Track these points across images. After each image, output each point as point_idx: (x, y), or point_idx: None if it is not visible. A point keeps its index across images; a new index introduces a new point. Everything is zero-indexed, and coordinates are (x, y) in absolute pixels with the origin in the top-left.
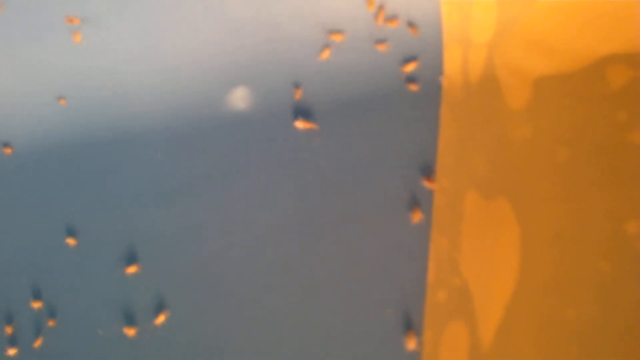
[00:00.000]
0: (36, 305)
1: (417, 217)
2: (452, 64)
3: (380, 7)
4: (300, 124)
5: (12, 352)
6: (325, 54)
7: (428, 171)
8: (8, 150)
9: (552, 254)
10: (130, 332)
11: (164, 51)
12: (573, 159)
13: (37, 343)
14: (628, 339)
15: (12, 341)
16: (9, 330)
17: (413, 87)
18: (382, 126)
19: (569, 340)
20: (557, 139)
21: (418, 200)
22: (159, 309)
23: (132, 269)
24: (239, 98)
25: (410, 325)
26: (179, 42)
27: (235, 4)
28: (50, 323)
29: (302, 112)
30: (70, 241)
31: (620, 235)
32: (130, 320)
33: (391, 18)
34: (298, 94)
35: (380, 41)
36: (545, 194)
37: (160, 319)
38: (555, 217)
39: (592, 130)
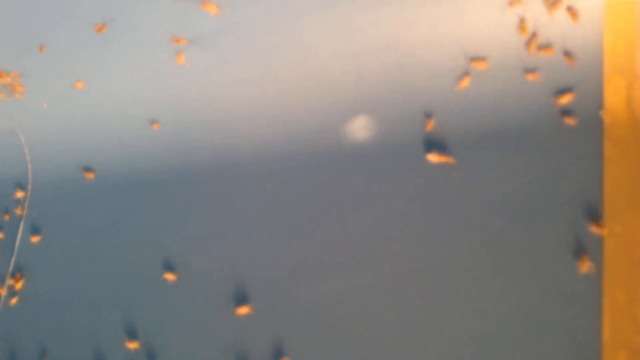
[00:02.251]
0: (132, 345)
1: (585, 266)
2: (614, 98)
3: (534, 34)
4: (433, 157)
5: None
6: (465, 82)
7: (595, 215)
8: (90, 175)
9: None
10: None
11: (276, 75)
12: None
13: None
14: None
15: None
16: None
17: (570, 121)
18: (534, 162)
19: None
20: None
21: (585, 247)
22: (277, 355)
23: (243, 309)
24: (361, 128)
25: None
26: (293, 65)
27: (364, 25)
28: None
29: (435, 144)
30: (169, 276)
31: None
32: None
33: (545, 46)
34: (430, 125)
35: (531, 70)
36: None
37: None
38: None
39: None
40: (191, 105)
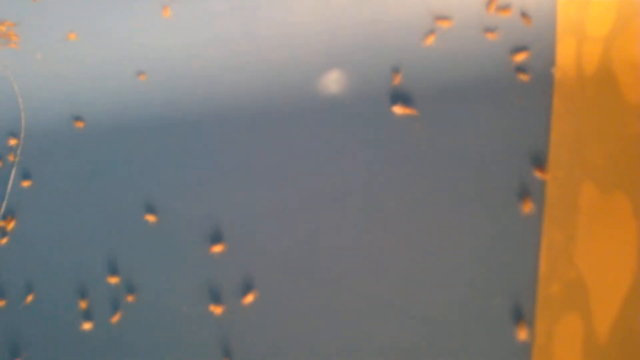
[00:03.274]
0: (113, 280)
1: (528, 207)
2: (565, 56)
3: None
4: (398, 109)
5: (87, 326)
6: (430, 40)
7: (540, 162)
8: (80, 124)
9: None
10: (217, 310)
11: (256, 30)
12: None
13: (115, 318)
14: None
15: (87, 316)
16: (83, 304)
17: (523, 77)
18: (489, 115)
19: None
20: None
21: (529, 191)
22: (246, 289)
23: (217, 248)
24: (334, 81)
25: (522, 316)
26: (273, 20)
27: None
28: (129, 299)
29: (401, 97)
30: (150, 218)
31: None
32: (216, 299)
33: (504, 7)
34: (397, 79)
35: (491, 29)
36: None
37: (248, 299)
38: None
39: None
40: (176, 57)
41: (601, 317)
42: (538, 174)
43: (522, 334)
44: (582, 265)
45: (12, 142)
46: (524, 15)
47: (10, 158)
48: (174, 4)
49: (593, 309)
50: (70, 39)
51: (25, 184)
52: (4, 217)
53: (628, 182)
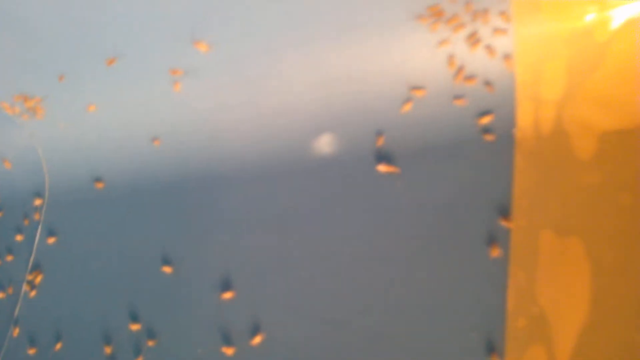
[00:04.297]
0: (134, 327)
1: (495, 252)
2: (524, 119)
3: (460, 68)
4: (382, 168)
5: None
6: (407, 107)
7: (505, 212)
8: (100, 185)
9: (620, 287)
10: (229, 351)
11: (257, 101)
12: (631, 201)
13: None
14: None
15: (112, 358)
16: (108, 350)
17: (489, 138)
18: (460, 172)
19: None
20: (621, 187)
21: (496, 238)
22: (255, 331)
23: (228, 295)
24: (326, 143)
25: (493, 348)
26: (272, 93)
27: (329, 61)
28: (150, 344)
29: (384, 157)
30: (167, 269)
31: None
32: (227, 341)
33: (469, 77)
34: (380, 141)
35: (459, 97)
36: (613, 233)
37: (257, 339)
38: (622, 254)
39: None
40: (187, 125)
41: (562, 348)
42: (503, 223)
43: None
44: (544, 302)
45: (37, 202)
46: (487, 83)
47: (36, 217)
48: (184, 80)
49: (554, 341)
50: (90, 111)
51: (51, 240)
52: (32, 272)
53: (581, 227)
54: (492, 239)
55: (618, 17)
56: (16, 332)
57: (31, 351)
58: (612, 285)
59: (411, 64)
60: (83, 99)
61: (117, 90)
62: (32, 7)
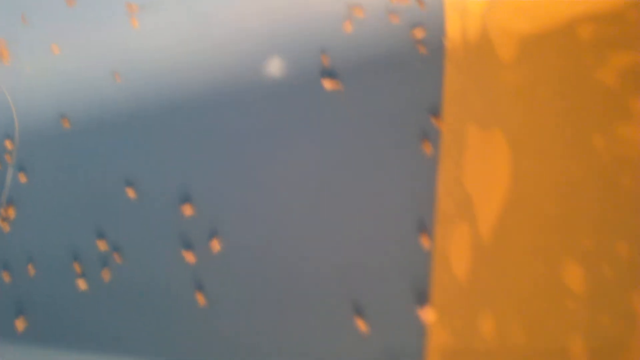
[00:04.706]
0: (101, 244)
1: (428, 148)
2: (453, 30)
3: None
4: (327, 84)
5: (82, 284)
6: (348, 26)
7: (436, 112)
8: (66, 121)
9: (536, 168)
10: (190, 257)
11: (210, 32)
12: (547, 95)
13: (105, 275)
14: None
15: (82, 275)
16: (77, 267)
17: (422, 49)
18: (397, 81)
19: (551, 231)
20: (538, 83)
21: (429, 135)
22: (211, 235)
23: (187, 209)
24: (275, 66)
25: (424, 227)
26: (224, 23)
27: None
28: (116, 258)
29: (328, 73)
30: (130, 192)
31: (589, 147)
32: (188, 247)
33: None
34: (324, 59)
35: (394, 13)
36: (530, 123)
37: (215, 245)
38: (537, 140)
39: (562, 73)
40: (145, 59)
41: (484, 225)
42: (435, 122)
43: (425, 242)
44: (470, 186)
45: (8, 143)
46: (419, 0)
47: (7, 157)
48: (141, 15)
49: (478, 219)
50: (53, 51)
51: (23, 178)
52: (5, 207)
53: (502, 120)
54: (425, 136)
55: None
56: None
57: (6, 277)
58: (529, 167)
59: None
60: (46, 40)
61: (78, 29)
62: None
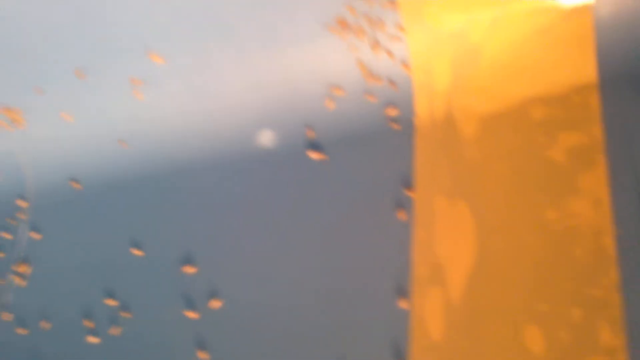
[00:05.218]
0: (111, 302)
1: (402, 216)
2: (422, 108)
3: (369, 70)
4: (312, 154)
5: (93, 339)
6: (330, 103)
7: (409, 184)
8: (76, 184)
9: (499, 238)
10: (192, 315)
11: (207, 105)
12: (504, 170)
13: (115, 331)
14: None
15: (93, 332)
16: (89, 324)
17: (395, 126)
18: (373, 153)
19: (513, 295)
20: (499, 158)
21: (403, 205)
22: (213, 296)
23: (190, 268)
24: (266, 137)
25: (402, 291)
26: (220, 97)
27: (261, 68)
28: (125, 315)
29: (312, 145)
30: (137, 252)
31: (543, 219)
32: (190, 306)
33: (376, 77)
34: (309, 132)
35: (370, 94)
36: (493, 196)
37: (216, 304)
38: (501, 213)
39: (517, 151)
40: (148, 128)
41: (455, 289)
42: (408, 193)
43: (404, 304)
44: (441, 253)
45: (22, 203)
46: (391, 82)
47: (22, 216)
48: (145, 89)
49: (449, 283)
50: (64, 119)
51: (37, 236)
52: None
53: (467, 193)
54: (399, 206)
55: (486, 20)
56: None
57: (22, 332)
58: (491, 237)
59: (329, 67)
60: (58, 109)
61: (87, 100)
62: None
